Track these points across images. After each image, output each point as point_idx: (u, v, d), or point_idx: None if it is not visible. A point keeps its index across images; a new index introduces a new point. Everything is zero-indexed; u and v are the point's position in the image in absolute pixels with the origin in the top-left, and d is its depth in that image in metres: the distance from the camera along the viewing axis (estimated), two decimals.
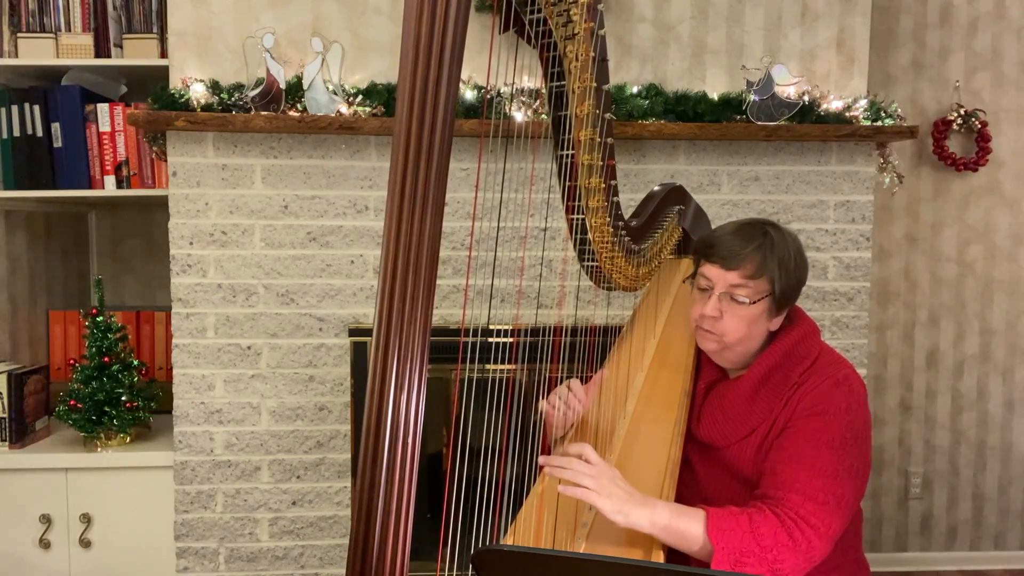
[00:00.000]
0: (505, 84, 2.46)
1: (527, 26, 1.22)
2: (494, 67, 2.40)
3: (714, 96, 2.58)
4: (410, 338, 0.83)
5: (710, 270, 1.57)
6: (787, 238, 1.58)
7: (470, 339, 2.21)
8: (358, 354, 2.58)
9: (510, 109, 2.44)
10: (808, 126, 2.55)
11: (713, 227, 1.82)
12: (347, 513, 2.66)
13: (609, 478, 1.34)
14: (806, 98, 2.57)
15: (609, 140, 1.38)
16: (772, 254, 1.54)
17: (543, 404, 1.64)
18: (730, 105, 2.56)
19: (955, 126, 3.22)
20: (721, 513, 1.38)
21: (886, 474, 3.35)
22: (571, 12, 1.21)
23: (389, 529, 0.84)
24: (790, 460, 1.46)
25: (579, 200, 1.41)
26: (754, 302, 1.54)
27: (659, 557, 1.33)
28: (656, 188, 1.84)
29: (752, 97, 2.53)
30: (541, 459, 1.38)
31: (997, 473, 3.38)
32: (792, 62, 2.65)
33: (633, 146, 2.63)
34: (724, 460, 1.62)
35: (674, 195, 1.86)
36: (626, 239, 1.58)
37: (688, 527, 1.35)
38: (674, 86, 2.62)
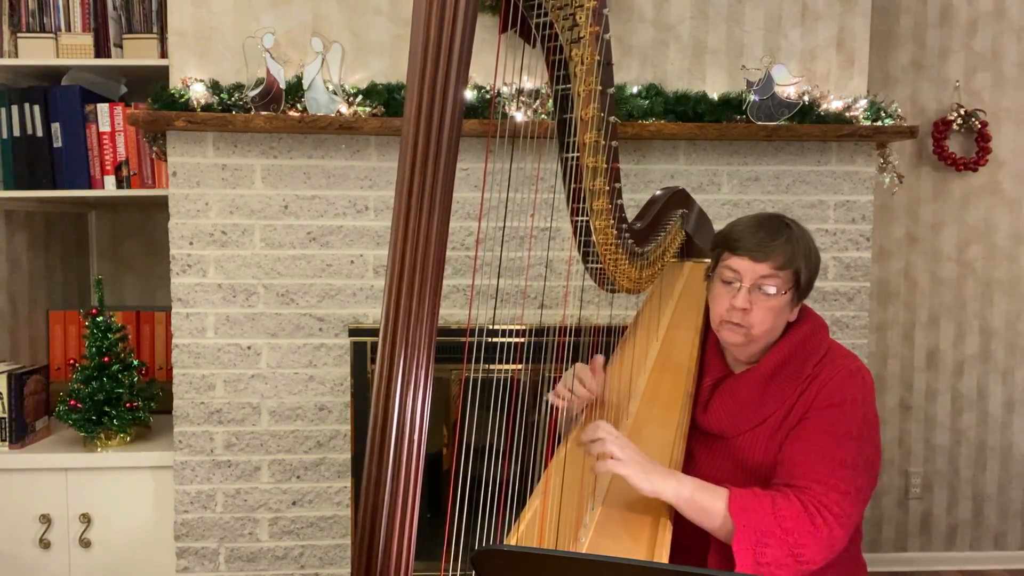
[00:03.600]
0: (504, 84, 2.46)
1: (533, 29, 1.22)
2: (492, 66, 2.40)
3: (714, 96, 2.58)
4: (417, 335, 0.83)
5: (738, 263, 1.58)
6: (803, 230, 1.63)
7: (474, 339, 2.21)
8: (358, 354, 2.58)
9: (511, 109, 2.44)
10: (808, 126, 2.55)
11: (715, 228, 1.83)
12: (347, 513, 2.66)
13: (633, 449, 1.42)
14: (806, 98, 2.57)
15: (613, 143, 1.39)
16: (798, 245, 1.58)
17: (550, 396, 1.67)
18: (730, 105, 2.56)
19: (955, 126, 3.22)
20: (744, 493, 1.43)
21: (886, 474, 3.36)
22: (577, 16, 1.21)
23: (395, 525, 0.84)
24: (810, 451, 1.49)
25: (584, 202, 1.42)
26: (783, 292, 1.57)
27: (663, 557, 1.33)
28: (659, 192, 1.85)
29: (752, 97, 2.54)
30: (572, 442, 1.41)
31: (997, 473, 3.38)
32: (792, 62, 2.65)
33: (633, 146, 2.63)
34: (731, 450, 1.63)
35: (677, 199, 1.87)
36: (630, 242, 1.59)
37: (711, 502, 1.41)
38: (674, 86, 2.62)
